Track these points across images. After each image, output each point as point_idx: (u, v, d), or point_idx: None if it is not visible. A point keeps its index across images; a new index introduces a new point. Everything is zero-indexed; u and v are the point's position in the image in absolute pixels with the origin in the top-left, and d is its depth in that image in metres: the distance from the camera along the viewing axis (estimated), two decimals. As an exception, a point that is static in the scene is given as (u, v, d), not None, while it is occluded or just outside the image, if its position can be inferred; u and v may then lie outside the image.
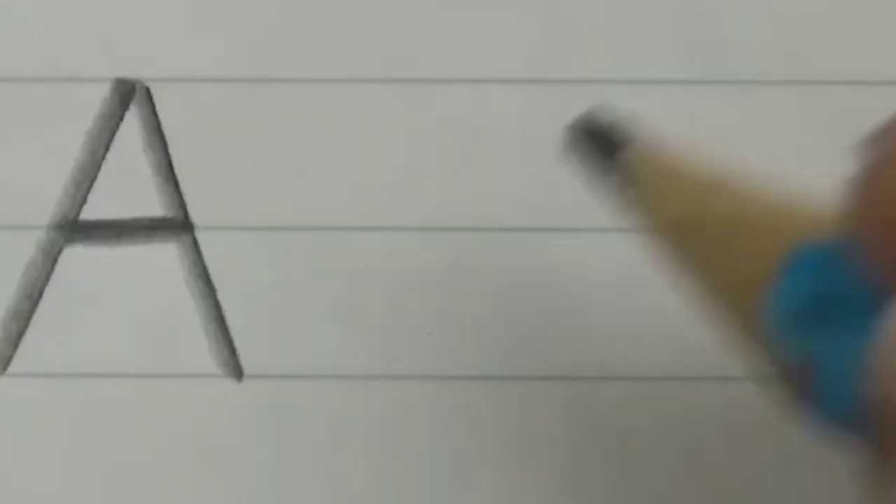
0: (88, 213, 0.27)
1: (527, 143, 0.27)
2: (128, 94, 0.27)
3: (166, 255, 0.27)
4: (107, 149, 0.27)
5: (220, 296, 0.27)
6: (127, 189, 0.27)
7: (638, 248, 0.27)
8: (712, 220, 0.19)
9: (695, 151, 0.21)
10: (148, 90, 0.27)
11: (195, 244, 0.27)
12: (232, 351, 0.27)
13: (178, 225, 0.27)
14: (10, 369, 0.27)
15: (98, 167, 0.27)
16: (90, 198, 0.27)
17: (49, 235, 0.27)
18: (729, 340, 0.19)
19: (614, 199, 0.21)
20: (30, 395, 0.27)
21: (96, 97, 0.27)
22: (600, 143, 0.21)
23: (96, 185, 0.27)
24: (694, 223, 0.19)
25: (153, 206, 0.27)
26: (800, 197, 0.17)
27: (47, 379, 0.27)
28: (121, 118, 0.27)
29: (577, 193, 0.27)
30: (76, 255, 0.27)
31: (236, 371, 0.27)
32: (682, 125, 0.27)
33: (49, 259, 0.27)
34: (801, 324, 0.17)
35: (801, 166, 0.27)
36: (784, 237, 0.17)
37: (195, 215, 0.27)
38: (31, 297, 0.27)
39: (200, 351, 0.27)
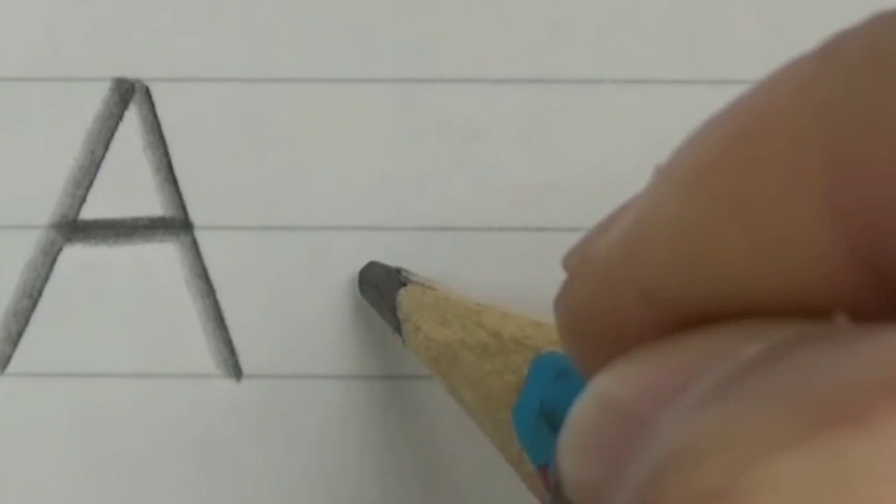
0: (88, 213, 0.27)
1: (527, 143, 0.27)
2: (127, 93, 0.27)
3: (165, 254, 0.27)
4: (106, 148, 0.27)
5: (220, 295, 0.27)
6: (126, 189, 0.27)
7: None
8: (474, 341, 0.20)
9: (457, 289, 0.23)
10: (148, 90, 0.27)
11: (194, 244, 0.27)
12: (231, 350, 0.27)
13: (177, 224, 0.27)
14: (10, 368, 0.27)
15: (98, 167, 0.27)
16: (90, 197, 0.27)
17: (48, 235, 0.27)
18: (497, 449, 0.20)
19: (399, 331, 0.24)
20: (29, 394, 0.27)
21: (96, 97, 0.27)
22: (381, 287, 0.25)
23: (96, 184, 0.27)
24: (457, 345, 0.21)
25: (153, 205, 0.27)
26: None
27: (47, 378, 0.27)
28: (120, 118, 0.27)
29: (576, 193, 0.27)
30: (76, 255, 0.27)
31: (235, 370, 0.27)
32: (681, 125, 0.27)
33: (49, 258, 0.27)
34: (537, 430, 0.18)
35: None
36: (530, 352, 0.19)
37: (194, 215, 0.27)
38: (31, 297, 0.27)
39: (199, 350, 0.27)
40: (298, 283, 0.27)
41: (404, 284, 0.24)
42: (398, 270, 0.25)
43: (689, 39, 0.27)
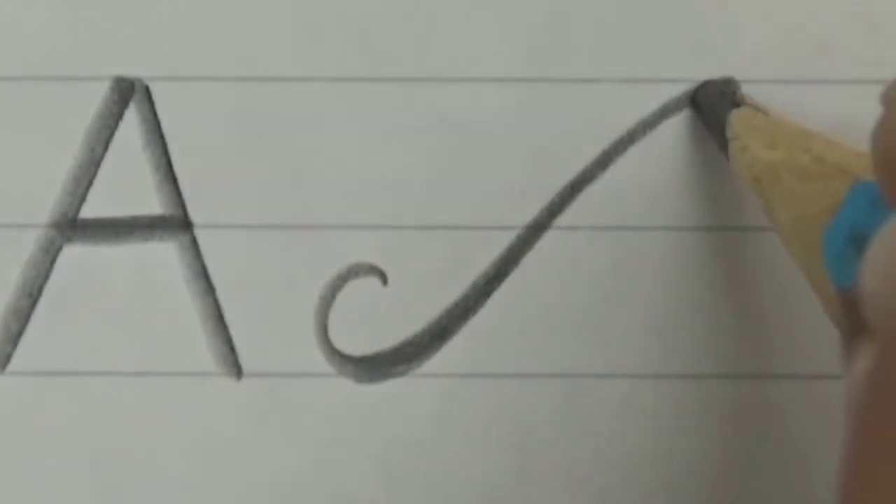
0: (87, 212, 0.27)
1: (526, 143, 0.27)
2: (127, 92, 0.27)
3: (165, 253, 0.27)
4: (106, 147, 0.27)
5: (219, 294, 0.27)
6: (126, 187, 0.27)
7: (637, 246, 0.27)
8: (797, 164, 0.21)
9: (785, 117, 0.24)
10: (147, 89, 0.27)
11: (194, 242, 0.27)
12: (231, 349, 0.27)
13: (176, 223, 0.27)
14: (10, 367, 0.27)
15: (97, 165, 0.27)
16: (89, 196, 0.27)
17: (48, 233, 0.27)
18: (802, 271, 0.21)
19: (726, 149, 0.24)
20: (29, 393, 0.27)
21: (96, 95, 0.27)
22: (714, 105, 0.25)
23: (95, 183, 0.27)
24: (781, 166, 0.22)
25: (152, 204, 0.27)
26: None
27: (47, 378, 0.27)
28: (120, 117, 0.27)
29: (576, 193, 0.27)
30: (75, 254, 0.27)
31: (235, 369, 0.27)
32: (682, 124, 0.27)
33: (48, 257, 0.27)
34: (845, 254, 0.18)
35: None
36: (850, 179, 0.20)
37: (194, 214, 0.27)
38: (31, 295, 0.27)
39: (199, 349, 0.27)
40: (298, 282, 0.27)
41: (738, 106, 0.25)
42: (735, 91, 0.26)
43: (689, 39, 0.27)
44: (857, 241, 0.18)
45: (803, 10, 0.27)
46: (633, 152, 0.27)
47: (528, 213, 0.27)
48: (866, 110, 0.27)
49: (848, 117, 0.27)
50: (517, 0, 0.27)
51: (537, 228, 0.27)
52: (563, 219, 0.27)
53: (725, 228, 0.27)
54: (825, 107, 0.27)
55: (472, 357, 0.27)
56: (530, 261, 0.27)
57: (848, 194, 0.19)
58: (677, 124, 0.27)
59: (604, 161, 0.27)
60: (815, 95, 0.27)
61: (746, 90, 0.27)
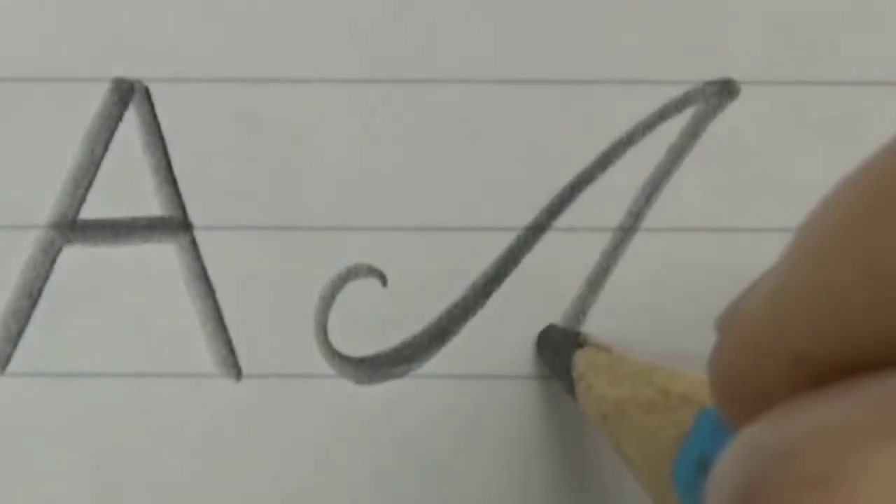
0: (87, 213, 0.27)
1: (527, 143, 0.27)
2: (127, 93, 0.27)
3: (165, 254, 0.27)
4: (106, 148, 0.27)
5: (219, 295, 0.27)
6: (126, 188, 0.27)
7: (635, 248, 0.27)
8: (643, 398, 0.22)
9: (626, 353, 0.24)
10: (147, 90, 0.27)
11: (194, 244, 0.27)
12: (230, 350, 0.27)
13: (176, 224, 0.27)
14: (10, 368, 0.27)
15: (97, 167, 0.27)
16: (89, 197, 0.27)
17: (48, 234, 0.27)
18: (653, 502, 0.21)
19: (573, 390, 0.25)
20: (29, 394, 0.27)
21: (96, 97, 0.27)
22: (558, 348, 0.26)
23: (95, 184, 0.27)
24: (626, 402, 0.22)
25: (152, 205, 0.27)
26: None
27: (47, 378, 0.27)
28: (120, 118, 0.27)
29: (576, 193, 0.27)
30: (75, 255, 0.27)
31: (235, 370, 0.27)
32: (681, 125, 0.27)
33: (48, 258, 0.27)
34: (695, 483, 0.18)
35: (800, 165, 0.27)
36: (696, 408, 0.20)
37: (194, 215, 0.27)
38: (31, 296, 0.27)
39: (199, 350, 0.27)
40: (298, 283, 0.27)
41: (581, 346, 0.25)
42: (577, 333, 0.26)
43: (689, 40, 0.27)
44: (706, 469, 0.18)
45: (802, 10, 0.27)
46: (633, 153, 0.27)
47: (528, 213, 0.27)
48: (866, 110, 0.27)
49: (848, 117, 0.27)
50: (517, 0, 0.27)
51: (537, 229, 0.27)
52: (563, 219, 0.27)
53: (726, 229, 0.27)
54: (825, 107, 0.27)
55: (472, 357, 0.27)
56: (530, 261, 0.27)
57: (693, 423, 0.19)
58: (676, 125, 0.27)
59: (603, 161, 0.27)
60: (815, 95, 0.27)
61: (746, 91, 0.27)
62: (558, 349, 0.26)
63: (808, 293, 0.12)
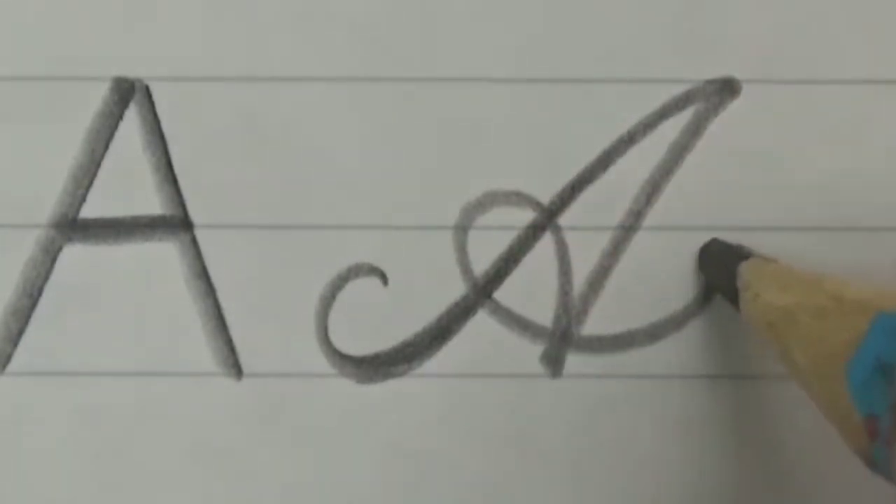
0: (88, 212, 0.27)
1: (527, 143, 0.27)
2: (127, 92, 0.27)
3: (165, 253, 0.27)
4: (106, 147, 0.27)
5: (220, 294, 0.27)
6: (126, 188, 0.27)
7: (636, 247, 0.27)
8: (813, 304, 0.22)
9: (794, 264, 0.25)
10: (147, 89, 0.27)
11: (194, 243, 0.27)
12: (231, 349, 0.27)
13: (177, 223, 0.27)
14: (10, 367, 0.27)
15: (97, 166, 0.27)
16: (89, 196, 0.27)
17: (48, 233, 0.27)
18: (822, 409, 0.21)
19: (736, 300, 0.25)
20: (29, 393, 0.27)
21: (96, 96, 0.27)
22: (723, 260, 0.26)
23: (96, 183, 0.27)
24: (795, 308, 0.22)
25: (152, 204, 0.27)
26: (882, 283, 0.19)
27: (47, 377, 0.27)
28: (120, 117, 0.27)
29: (576, 193, 0.27)
30: (75, 254, 0.27)
31: (235, 369, 0.27)
32: (682, 123, 0.27)
33: (48, 257, 0.27)
34: (871, 382, 0.19)
35: (800, 164, 0.27)
36: (871, 313, 0.20)
37: (194, 214, 0.27)
38: (31, 295, 0.27)
39: (199, 349, 0.27)
40: (298, 282, 0.27)
41: (746, 258, 0.25)
42: (741, 246, 0.26)
43: (689, 39, 0.27)
44: (884, 370, 0.19)
45: (803, 10, 0.27)
46: (634, 151, 0.27)
47: (529, 213, 0.27)
48: (867, 109, 0.27)
49: (848, 116, 0.27)
50: (517, 0, 0.27)
51: (537, 228, 0.27)
52: (564, 218, 0.27)
53: (727, 228, 0.27)
54: (825, 107, 0.27)
55: (472, 357, 0.27)
56: (530, 261, 0.27)
57: (870, 325, 0.20)
58: (677, 124, 0.27)
59: (605, 160, 0.27)
60: (815, 95, 0.27)
61: (747, 90, 0.27)
62: (723, 261, 0.26)
63: None
